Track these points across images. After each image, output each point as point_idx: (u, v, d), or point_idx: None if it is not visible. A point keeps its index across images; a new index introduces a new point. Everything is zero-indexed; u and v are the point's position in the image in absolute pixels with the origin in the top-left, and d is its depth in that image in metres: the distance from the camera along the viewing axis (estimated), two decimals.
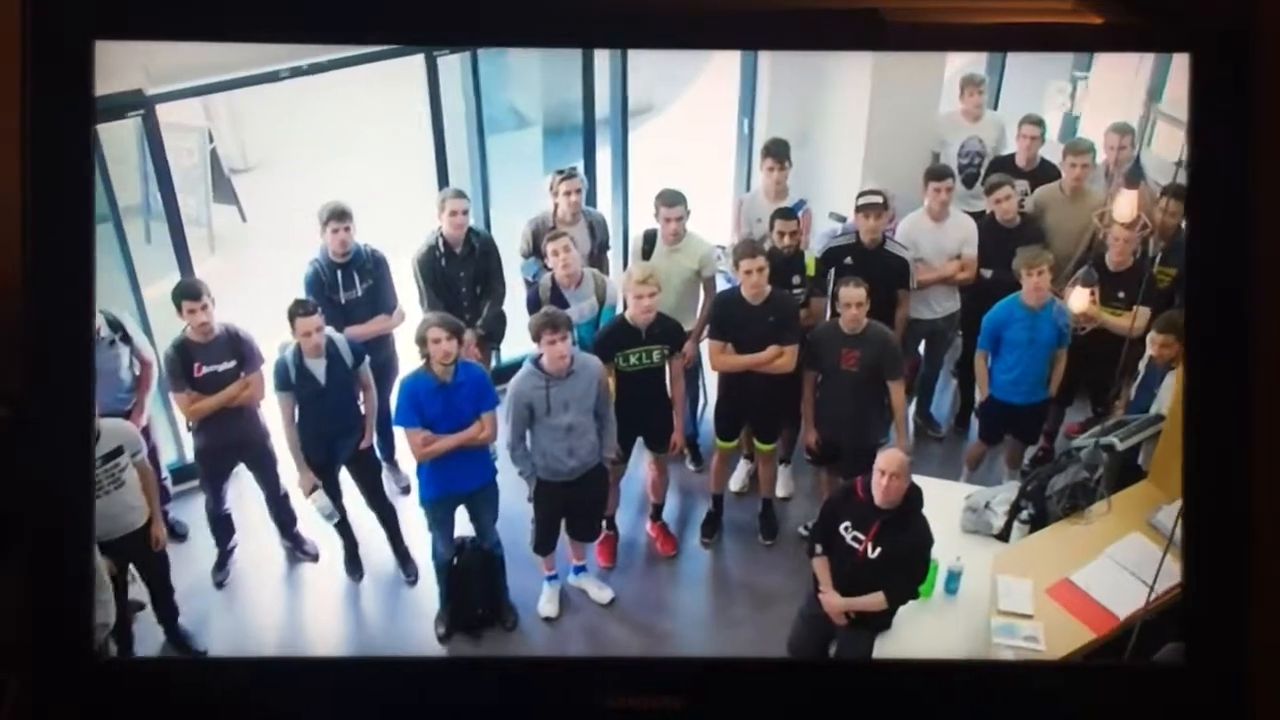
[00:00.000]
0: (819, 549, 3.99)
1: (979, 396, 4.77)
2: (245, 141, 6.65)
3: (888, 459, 3.81)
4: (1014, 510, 4.31)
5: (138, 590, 4.21)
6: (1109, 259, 4.54)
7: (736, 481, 5.01)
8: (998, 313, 4.58)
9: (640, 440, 4.69)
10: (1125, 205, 4.30)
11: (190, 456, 4.63)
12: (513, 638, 4.43)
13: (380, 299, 4.63)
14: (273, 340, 4.40)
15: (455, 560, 4.45)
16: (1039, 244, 4.67)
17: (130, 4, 2.85)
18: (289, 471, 4.53)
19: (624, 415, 4.48)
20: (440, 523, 4.41)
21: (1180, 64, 2.86)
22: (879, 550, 3.85)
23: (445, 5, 2.90)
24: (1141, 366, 4.42)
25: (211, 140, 5.99)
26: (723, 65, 5.52)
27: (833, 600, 3.95)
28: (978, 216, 4.94)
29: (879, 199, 4.68)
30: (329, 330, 4.36)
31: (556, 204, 4.77)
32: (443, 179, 5.10)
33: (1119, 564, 3.99)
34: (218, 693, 3.11)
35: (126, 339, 4.28)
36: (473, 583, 4.44)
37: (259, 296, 4.67)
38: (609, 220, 5.12)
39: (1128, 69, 4.86)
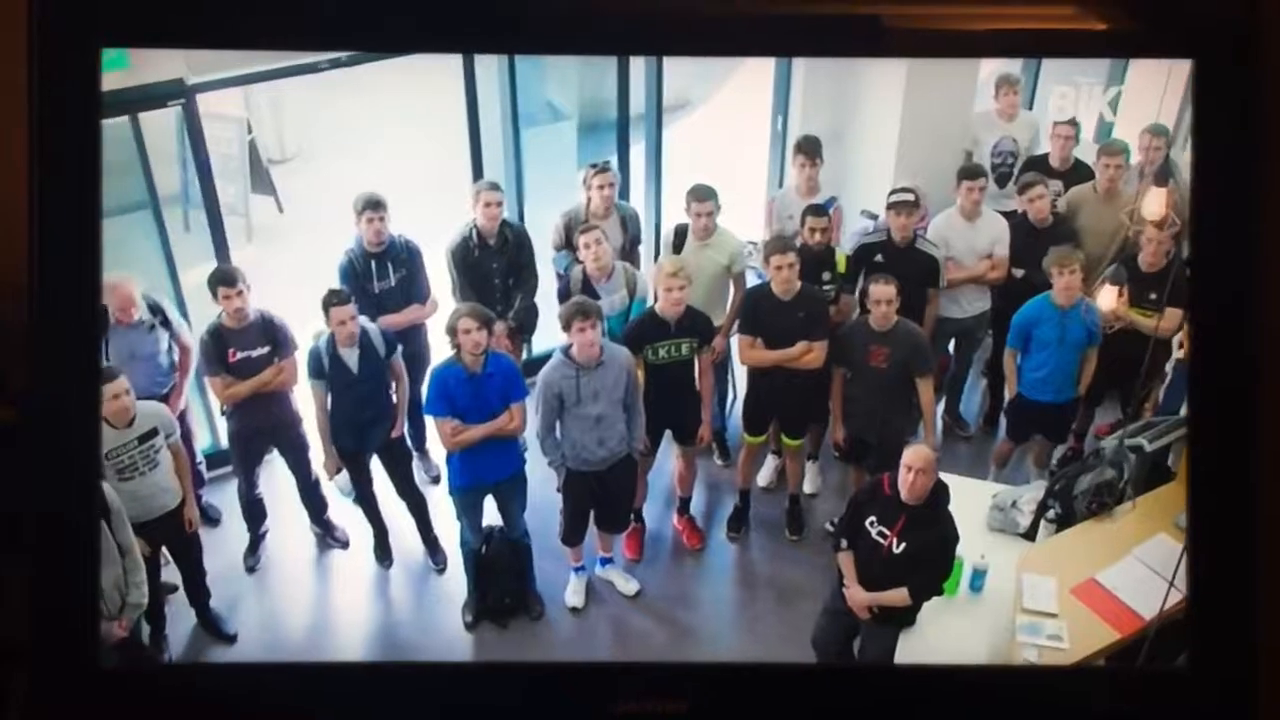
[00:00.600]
0: (844, 543, 4.00)
1: (1008, 394, 4.77)
2: (284, 133, 6.73)
3: (914, 455, 3.81)
4: (1041, 509, 4.30)
5: (170, 573, 4.29)
6: (1141, 260, 4.52)
7: (764, 477, 5.03)
8: (1028, 311, 4.58)
9: (668, 433, 4.72)
10: (1154, 203, 4.29)
11: (224, 441, 4.70)
12: (538, 627, 4.47)
13: (413, 289, 4.68)
14: (306, 329, 4.45)
15: (483, 549, 4.49)
16: (1070, 244, 4.66)
17: (136, 11, 2.86)
18: (320, 458, 4.59)
19: (652, 407, 4.49)
20: (469, 511, 4.45)
21: None
22: (904, 546, 3.85)
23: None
24: (1169, 369, 4.41)
25: (250, 131, 6.05)
26: (758, 62, 5.51)
27: (857, 595, 3.96)
28: (1010, 216, 4.93)
29: (911, 197, 4.69)
30: (362, 320, 4.40)
31: (589, 197, 4.80)
32: (477, 171, 5.14)
33: (1146, 565, 3.98)
34: (219, 697, 3.14)
35: (166, 323, 4.36)
36: (500, 572, 4.49)
37: (294, 286, 4.72)
38: (641, 215, 5.13)
39: (1162, 69, 4.83)
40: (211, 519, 4.68)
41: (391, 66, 4.56)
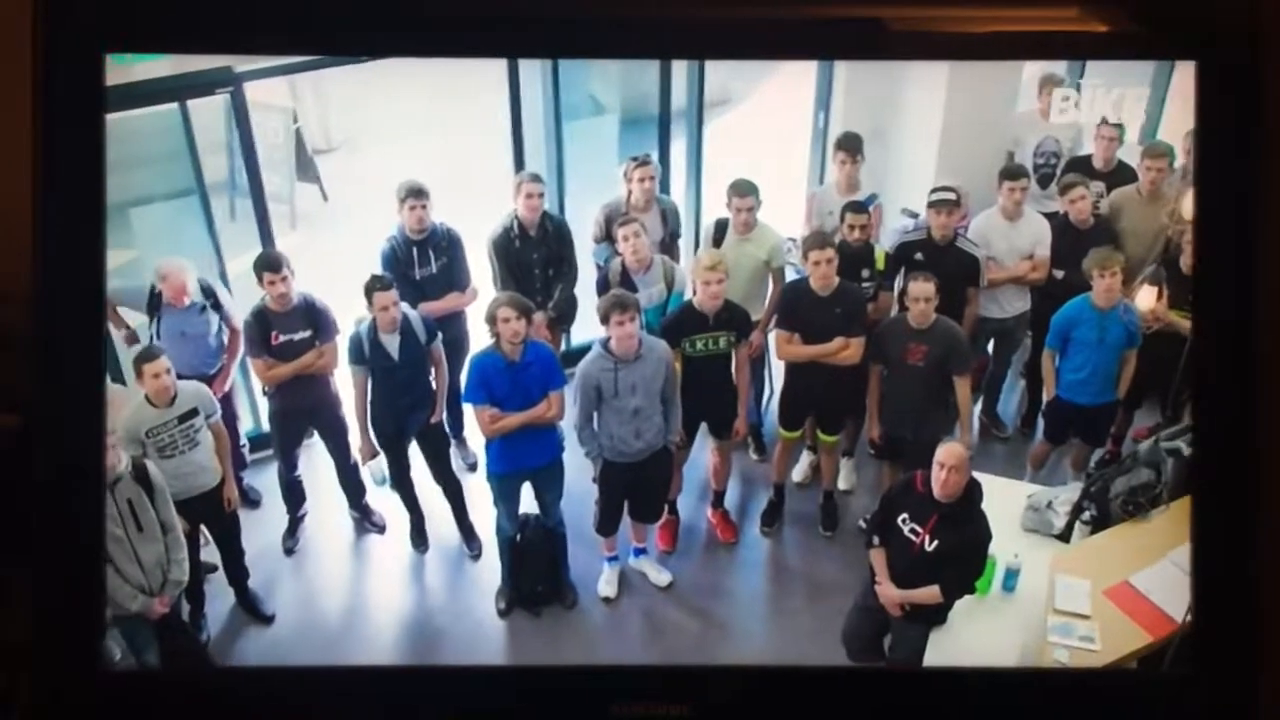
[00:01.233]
0: (876, 540, 4.00)
1: (1046, 396, 4.74)
2: (329, 122, 6.79)
3: (947, 452, 3.81)
4: (1076, 511, 4.28)
5: (210, 554, 4.36)
6: (1182, 262, 4.49)
7: (799, 473, 5.04)
8: (1067, 312, 4.56)
9: (704, 426, 4.73)
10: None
11: (266, 425, 4.77)
12: (571, 616, 4.50)
13: (454, 276, 4.74)
14: (347, 316, 4.51)
15: (519, 537, 4.53)
16: (1110, 245, 4.63)
17: (139, 16, 2.89)
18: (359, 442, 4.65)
19: (689, 400, 4.52)
20: (506, 498, 4.48)
21: None
22: (936, 544, 3.85)
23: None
24: None
25: (296, 120, 6.12)
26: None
27: (889, 592, 3.96)
28: (1051, 217, 4.91)
29: (952, 196, 4.68)
30: (404, 306, 4.45)
31: (630, 190, 4.83)
32: (519, 163, 5.18)
33: (1180, 568, 3.94)
34: (219, 698, 3.18)
35: (217, 306, 4.44)
36: (534, 559, 4.52)
37: (336, 274, 4.78)
38: (682, 209, 5.16)
39: None
40: (252, 501, 4.74)
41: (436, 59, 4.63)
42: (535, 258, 4.75)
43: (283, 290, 4.38)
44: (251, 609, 4.38)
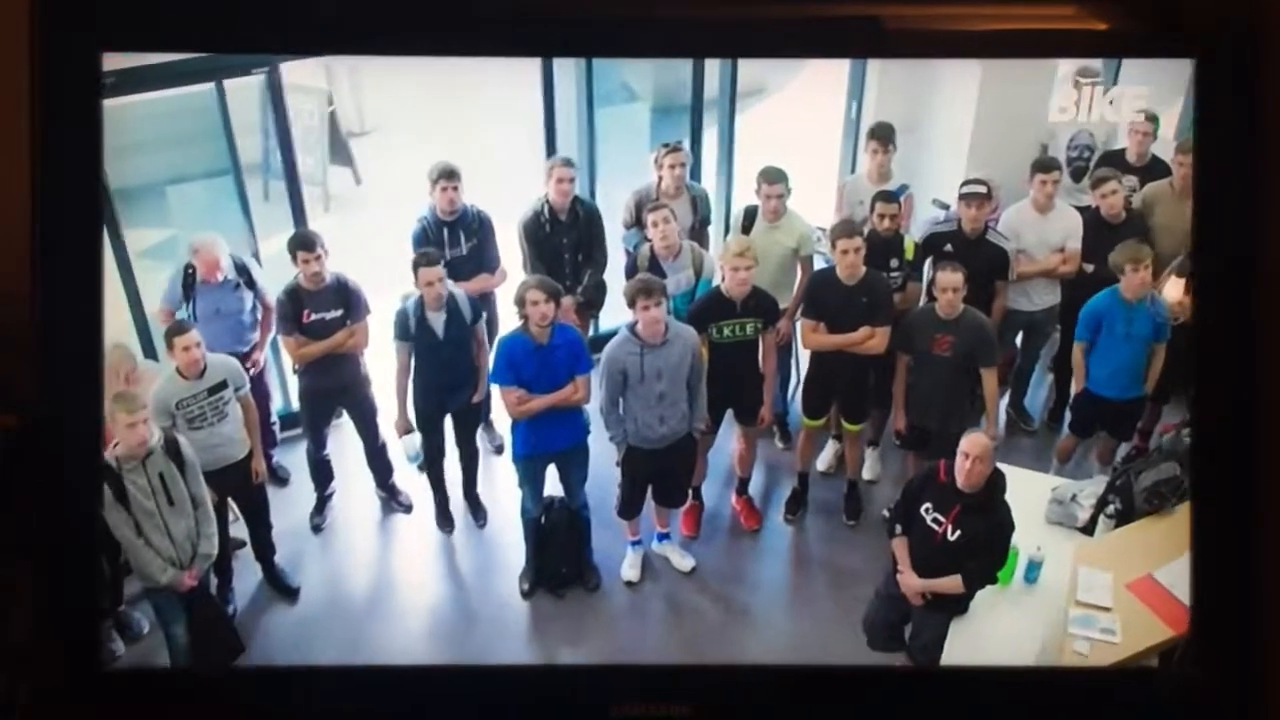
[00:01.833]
0: (899, 529, 4.02)
1: (1074, 388, 4.72)
2: (363, 106, 6.81)
3: (971, 442, 3.81)
4: (1100, 504, 4.28)
5: (238, 530, 4.41)
6: None
7: (824, 461, 5.04)
8: (1095, 305, 4.54)
9: (730, 413, 4.75)
10: None
11: (296, 405, 4.82)
12: (594, 599, 4.53)
13: (484, 258, 4.76)
14: (377, 299, 4.56)
15: (543, 519, 4.55)
16: (1138, 239, 4.61)
17: (136, 15, 2.93)
18: (388, 423, 4.69)
19: (715, 386, 4.53)
20: (531, 480, 4.51)
21: None
22: (958, 533, 3.86)
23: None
24: None
25: (331, 103, 6.15)
26: None
27: (910, 581, 3.97)
28: (1083, 211, 4.89)
29: (983, 189, 4.67)
30: (451, 285, 4.50)
31: (660, 176, 4.84)
32: (551, 148, 5.20)
33: None
34: (220, 699, 3.24)
35: (251, 284, 4.50)
36: (559, 542, 4.55)
37: (368, 257, 4.81)
38: (712, 196, 5.16)
39: None
40: (280, 478, 4.79)
41: None
42: (565, 242, 4.77)
43: (316, 269, 4.43)
44: (278, 585, 4.43)
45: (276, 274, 4.61)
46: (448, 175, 4.63)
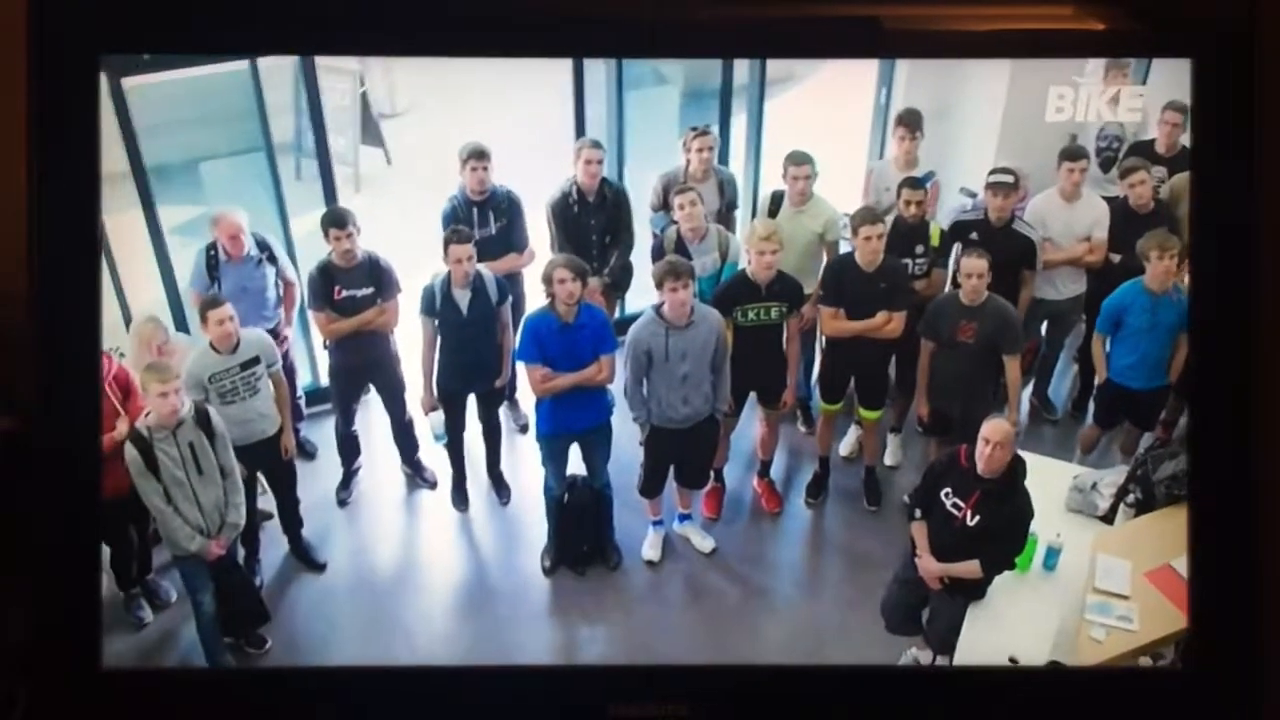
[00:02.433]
0: (918, 513, 4.04)
1: (1097, 379, 4.73)
2: (395, 87, 6.86)
3: (992, 428, 3.83)
4: (1121, 493, 4.29)
5: (266, 502, 4.48)
6: None
7: (845, 446, 5.05)
8: (1119, 296, 4.53)
9: (753, 396, 4.77)
10: None
11: (324, 380, 4.88)
12: (615, 577, 4.58)
13: (513, 238, 4.81)
14: (406, 279, 4.60)
15: (565, 497, 4.60)
16: (1165, 228, 4.59)
17: (135, 18, 2.95)
18: (415, 401, 4.74)
19: (738, 369, 4.55)
20: (554, 458, 4.56)
21: None
22: (978, 519, 3.88)
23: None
24: None
25: (363, 84, 6.20)
26: None
27: (929, 565, 4.00)
28: (1111, 201, 4.88)
29: (1010, 178, 4.67)
30: (480, 266, 4.54)
31: (688, 159, 4.86)
32: (580, 130, 5.23)
33: None
34: (220, 699, 3.27)
35: (273, 259, 4.54)
36: (581, 520, 4.59)
37: (398, 238, 4.85)
38: (740, 181, 5.19)
39: None
40: (308, 452, 4.85)
41: None
42: (593, 224, 4.80)
43: (348, 246, 4.48)
44: (304, 557, 4.49)
45: (308, 253, 4.67)
46: (478, 155, 4.67)
